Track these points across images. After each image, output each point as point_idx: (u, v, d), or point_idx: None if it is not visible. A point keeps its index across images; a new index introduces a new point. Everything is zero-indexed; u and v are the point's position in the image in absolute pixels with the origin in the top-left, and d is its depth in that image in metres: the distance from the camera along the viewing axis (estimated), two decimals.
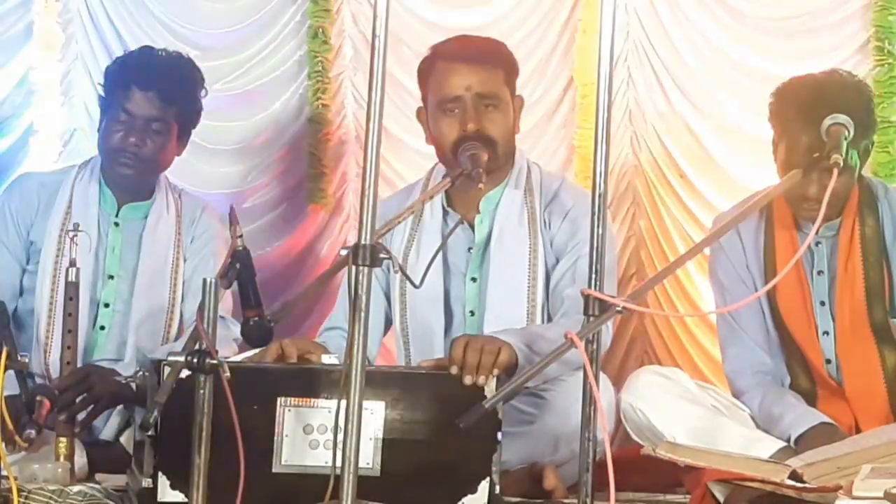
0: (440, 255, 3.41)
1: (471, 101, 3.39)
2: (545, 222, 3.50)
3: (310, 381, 2.73)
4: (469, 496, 2.82)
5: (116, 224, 3.71)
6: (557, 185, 3.58)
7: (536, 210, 3.50)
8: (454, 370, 2.83)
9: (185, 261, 3.75)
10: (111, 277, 3.68)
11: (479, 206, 3.50)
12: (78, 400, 3.18)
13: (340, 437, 2.23)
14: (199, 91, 3.73)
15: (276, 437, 2.70)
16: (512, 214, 3.48)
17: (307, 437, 2.72)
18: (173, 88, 3.65)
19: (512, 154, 3.51)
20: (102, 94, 3.74)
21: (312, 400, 2.72)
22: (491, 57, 3.46)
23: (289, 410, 2.71)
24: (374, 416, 2.74)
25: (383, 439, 2.76)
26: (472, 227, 3.51)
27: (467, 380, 2.81)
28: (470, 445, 2.78)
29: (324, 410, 2.72)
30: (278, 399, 2.70)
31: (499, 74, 3.45)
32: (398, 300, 3.51)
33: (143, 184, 3.73)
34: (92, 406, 3.26)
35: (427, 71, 3.49)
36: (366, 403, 2.42)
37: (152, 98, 3.61)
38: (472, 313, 3.48)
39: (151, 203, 3.74)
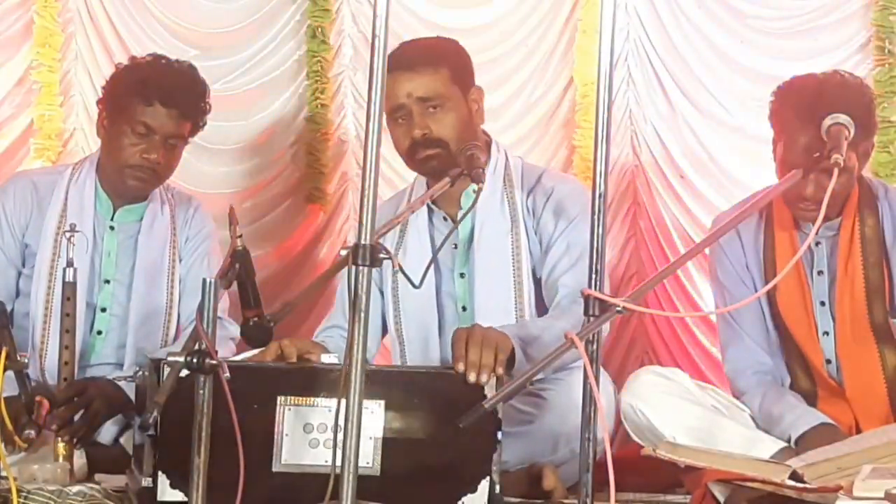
0: (429, 253, 3.43)
1: (414, 107, 3.38)
2: (528, 209, 3.49)
3: (310, 380, 2.73)
4: (469, 495, 2.82)
5: (112, 228, 3.70)
6: (539, 172, 3.59)
7: (517, 199, 3.50)
8: (460, 367, 2.82)
9: (180, 261, 3.74)
10: (107, 282, 3.67)
11: (461, 202, 3.50)
12: (76, 417, 3.17)
13: (340, 437, 2.23)
14: (207, 105, 3.72)
15: (276, 437, 2.70)
16: (492, 207, 3.48)
17: (307, 435, 2.72)
18: (191, 105, 3.65)
19: (479, 148, 3.43)
20: (105, 97, 3.71)
21: (312, 399, 2.71)
22: (431, 58, 3.43)
23: (289, 409, 2.70)
24: (374, 415, 2.74)
25: (383, 438, 2.75)
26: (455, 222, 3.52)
27: (471, 377, 2.80)
28: (470, 445, 2.77)
29: (324, 409, 2.71)
30: (278, 398, 2.70)
31: (442, 74, 3.42)
32: (391, 299, 3.52)
33: (147, 193, 3.72)
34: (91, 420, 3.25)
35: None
36: (366, 403, 2.41)
37: (174, 115, 3.60)
38: (465, 308, 3.49)
39: (146, 206, 3.73)
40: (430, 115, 3.39)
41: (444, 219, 3.50)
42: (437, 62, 3.44)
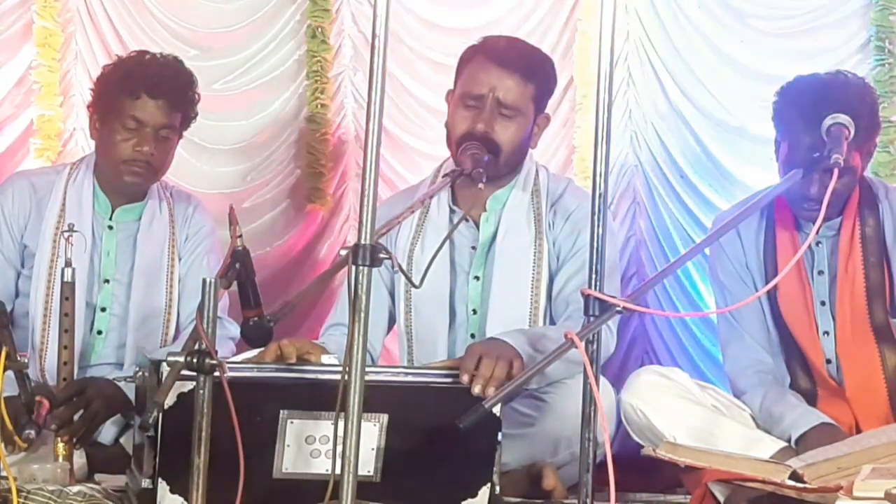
0: (446, 253, 3.42)
1: (489, 103, 3.38)
2: (549, 223, 3.50)
3: (313, 394, 2.69)
4: (469, 500, 2.81)
5: (110, 227, 3.70)
6: (563, 187, 3.59)
7: (542, 212, 3.50)
8: (465, 379, 2.81)
9: (179, 260, 3.74)
10: (107, 281, 3.67)
11: (486, 204, 3.50)
12: (76, 417, 3.17)
13: (340, 447, 2.22)
14: (196, 95, 3.72)
15: (277, 447, 2.69)
16: (518, 215, 3.49)
17: (309, 446, 2.70)
18: (179, 94, 3.65)
19: (518, 163, 3.51)
20: (94, 99, 3.71)
21: (315, 412, 2.69)
22: (527, 69, 3.43)
23: (291, 423, 2.69)
24: (376, 427, 2.72)
25: (384, 448, 2.73)
26: (477, 225, 3.52)
27: (476, 389, 2.79)
28: (471, 451, 2.76)
29: (326, 422, 2.69)
30: (281, 412, 2.68)
31: (528, 89, 3.43)
32: (402, 298, 3.51)
33: (145, 189, 3.72)
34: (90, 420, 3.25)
35: (466, 60, 3.49)
36: (367, 416, 2.39)
37: (162, 105, 3.60)
38: (475, 312, 3.48)
39: (144, 204, 3.73)
40: (500, 118, 3.39)
41: (466, 220, 3.49)
42: (531, 75, 3.44)
